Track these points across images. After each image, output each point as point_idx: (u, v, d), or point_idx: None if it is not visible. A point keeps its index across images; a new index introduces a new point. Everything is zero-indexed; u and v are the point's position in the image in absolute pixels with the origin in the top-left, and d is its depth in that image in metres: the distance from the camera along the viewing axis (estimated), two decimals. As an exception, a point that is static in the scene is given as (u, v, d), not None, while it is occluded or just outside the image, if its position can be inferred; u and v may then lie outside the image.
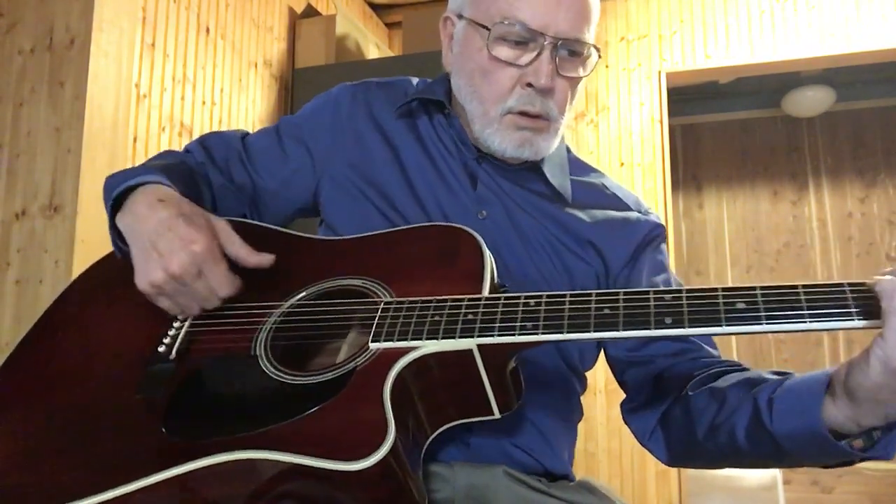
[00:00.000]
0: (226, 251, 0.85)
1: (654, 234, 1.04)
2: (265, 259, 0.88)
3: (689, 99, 4.96)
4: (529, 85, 0.93)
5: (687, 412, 0.91)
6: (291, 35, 3.12)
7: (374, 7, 3.84)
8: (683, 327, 0.69)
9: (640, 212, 1.05)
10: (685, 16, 3.59)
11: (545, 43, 0.91)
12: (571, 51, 0.94)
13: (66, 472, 0.76)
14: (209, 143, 1.10)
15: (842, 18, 3.36)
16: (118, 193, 0.89)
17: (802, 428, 0.76)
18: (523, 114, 0.95)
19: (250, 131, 1.15)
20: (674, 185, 3.91)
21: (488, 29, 0.93)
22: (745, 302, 0.68)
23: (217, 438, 0.72)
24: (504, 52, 0.93)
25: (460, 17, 0.99)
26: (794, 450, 0.78)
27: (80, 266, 1.85)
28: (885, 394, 0.68)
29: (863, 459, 0.75)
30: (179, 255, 0.81)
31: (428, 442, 0.78)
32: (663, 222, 1.08)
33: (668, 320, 0.69)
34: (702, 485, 4.06)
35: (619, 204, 1.05)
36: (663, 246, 1.06)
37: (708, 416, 0.87)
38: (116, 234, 0.90)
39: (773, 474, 4.07)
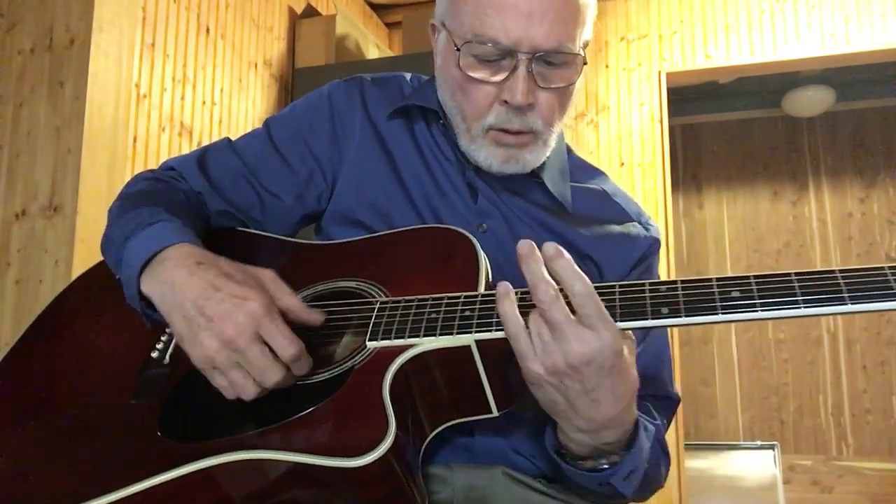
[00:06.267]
0: (277, 304, 0.78)
1: (652, 251, 1.04)
2: (316, 317, 0.81)
3: (689, 99, 4.96)
4: (506, 102, 0.89)
5: None
6: (291, 35, 3.12)
7: (374, 7, 3.84)
8: (680, 317, 0.69)
9: (640, 223, 1.04)
10: (685, 16, 3.59)
11: (520, 58, 0.86)
12: (550, 62, 0.88)
13: (62, 478, 0.76)
14: (206, 166, 1.02)
15: (842, 18, 3.36)
16: (144, 259, 0.81)
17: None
18: (504, 130, 0.91)
19: (232, 139, 1.07)
20: (674, 185, 3.89)
21: (459, 49, 0.89)
22: (739, 290, 0.68)
23: (214, 440, 0.72)
24: (477, 71, 0.89)
25: (443, 25, 0.95)
26: (567, 479, 0.83)
27: (80, 266, 1.86)
28: (549, 407, 0.75)
29: (606, 482, 0.80)
30: (233, 316, 0.73)
31: (427, 441, 0.78)
32: (662, 226, 1.07)
33: (665, 310, 0.70)
34: (702, 485, 4.06)
35: (622, 215, 1.04)
36: (656, 258, 1.06)
37: None
38: (145, 302, 0.82)
39: (773, 474, 4.07)
